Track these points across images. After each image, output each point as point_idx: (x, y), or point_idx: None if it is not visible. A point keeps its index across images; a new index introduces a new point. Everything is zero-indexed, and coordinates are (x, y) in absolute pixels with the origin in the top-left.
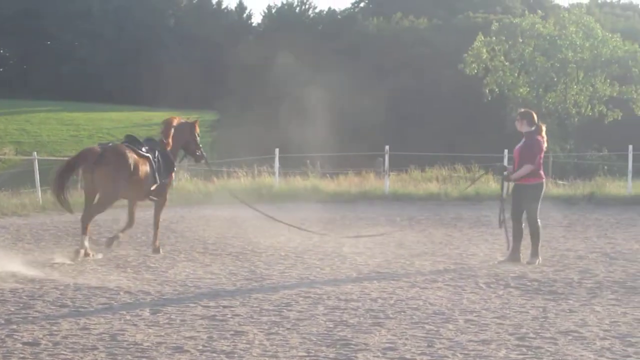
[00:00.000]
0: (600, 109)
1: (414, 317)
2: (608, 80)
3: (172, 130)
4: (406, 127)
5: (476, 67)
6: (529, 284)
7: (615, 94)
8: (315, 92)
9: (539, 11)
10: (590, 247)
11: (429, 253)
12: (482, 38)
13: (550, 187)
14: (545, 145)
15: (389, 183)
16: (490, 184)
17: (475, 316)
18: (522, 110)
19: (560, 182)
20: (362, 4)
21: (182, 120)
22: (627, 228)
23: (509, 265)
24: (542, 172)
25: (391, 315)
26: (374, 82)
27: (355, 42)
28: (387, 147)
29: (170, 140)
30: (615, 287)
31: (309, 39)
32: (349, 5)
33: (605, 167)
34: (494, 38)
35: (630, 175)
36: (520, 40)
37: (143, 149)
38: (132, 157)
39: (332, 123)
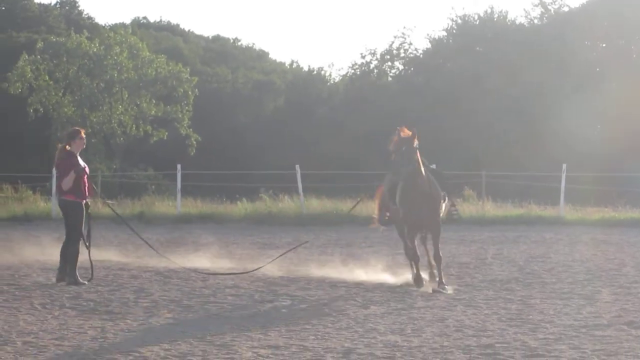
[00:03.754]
0: (146, 128)
1: None
2: (153, 100)
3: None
4: None
5: (20, 86)
6: (84, 304)
7: (160, 114)
8: None
9: (85, 31)
10: (144, 266)
11: None
12: (27, 57)
13: (100, 207)
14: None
15: None
16: (39, 203)
17: (33, 338)
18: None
19: (110, 201)
20: None
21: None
22: (178, 247)
23: (64, 286)
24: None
25: None
26: None
27: None
28: None
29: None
30: (171, 306)
31: None
32: None
33: (154, 187)
34: (39, 57)
35: (179, 195)
36: (65, 60)
37: None
38: None
39: None
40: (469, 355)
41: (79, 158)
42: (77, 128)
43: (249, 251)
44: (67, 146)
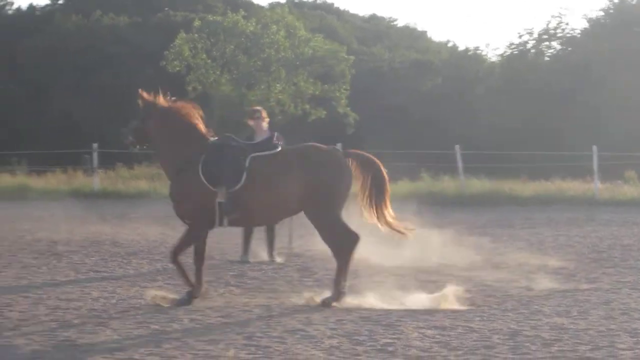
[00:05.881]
0: (304, 107)
1: (138, 316)
2: (311, 79)
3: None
4: (110, 124)
5: (178, 64)
6: (249, 282)
7: (318, 93)
8: (16, 90)
9: (242, 10)
10: (308, 245)
11: (145, 251)
12: (184, 35)
13: None
14: None
15: (98, 180)
16: None
17: (200, 315)
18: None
19: None
20: (61, 1)
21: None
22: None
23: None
24: None
25: (115, 316)
26: (77, 80)
27: (55, 40)
28: (95, 145)
29: None
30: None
31: (8, 36)
32: (49, 2)
33: None
34: (196, 35)
35: None
36: (222, 39)
37: None
38: None
39: (36, 119)
40: (636, 338)
41: (257, 138)
42: (254, 108)
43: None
44: None
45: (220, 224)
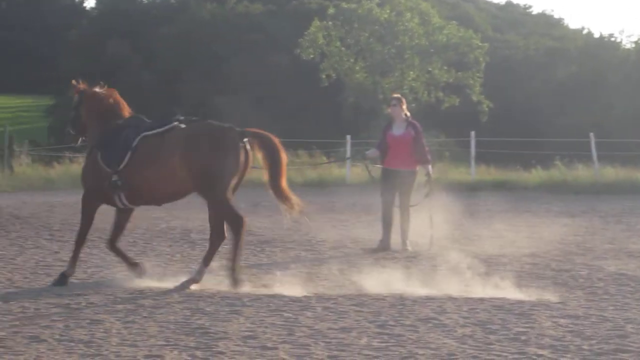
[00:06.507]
0: (438, 95)
1: (271, 304)
2: (445, 67)
3: None
4: (244, 112)
5: (312, 52)
6: (381, 270)
7: (451, 80)
8: (150, 78)
9: None
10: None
11: (278, 240)
12: (318, 23)
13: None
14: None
15: None
16: (333, 169)
17: (333, 303)
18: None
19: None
20: None
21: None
22: (471, 215)
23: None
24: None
25: (248, 303)
26: (211, 68)
27: (189, 28)
28: None
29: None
30: (469, 274)
31: (143, 25)
32: None
33: (447, 153)
34: (330, 23)
35: (472, 162)
36: (356, 26)
37: None
38: None
39: (169, 107)
40: None
41: (394, 125)
42: (393, 96)
43: (544, 219)
44: None
45: (121, 203)
